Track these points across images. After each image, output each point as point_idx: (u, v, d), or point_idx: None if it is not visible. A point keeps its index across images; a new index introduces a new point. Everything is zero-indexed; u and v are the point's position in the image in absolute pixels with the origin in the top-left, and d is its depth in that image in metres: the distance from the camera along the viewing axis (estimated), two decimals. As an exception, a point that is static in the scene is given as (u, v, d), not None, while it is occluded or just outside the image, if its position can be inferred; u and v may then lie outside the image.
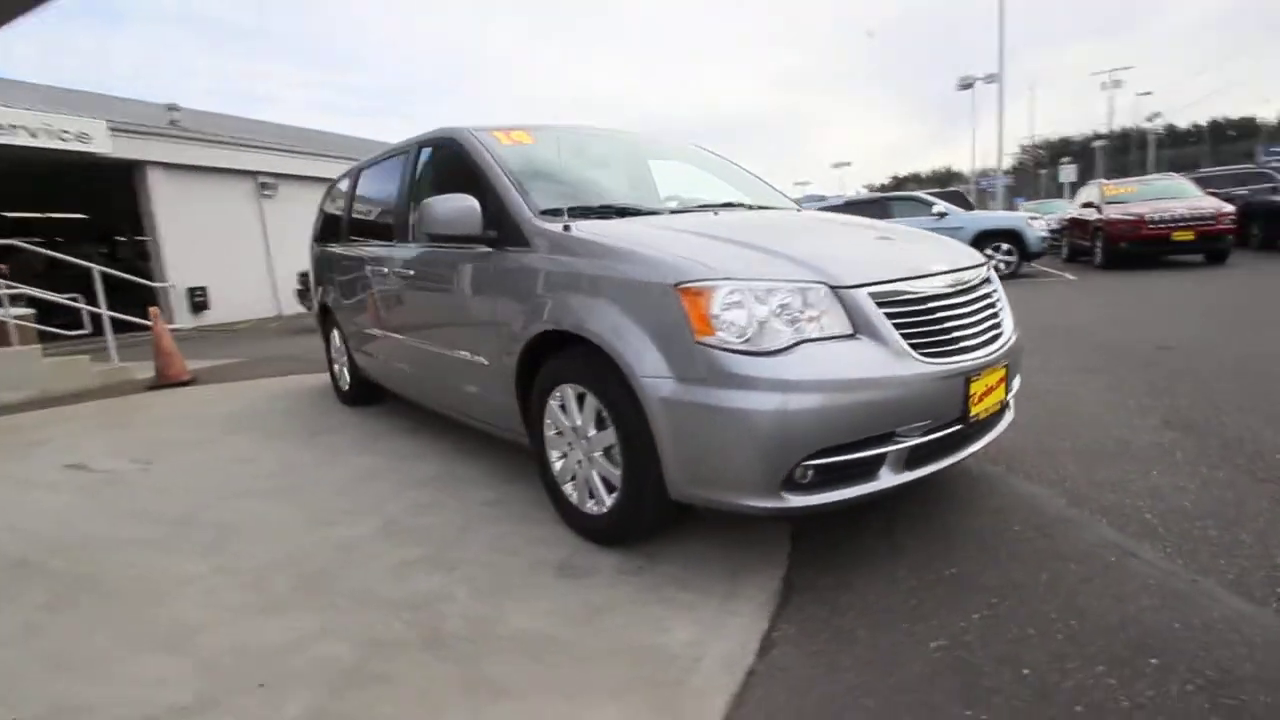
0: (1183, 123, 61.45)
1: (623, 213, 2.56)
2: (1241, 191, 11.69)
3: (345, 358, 4.47)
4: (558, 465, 2.39)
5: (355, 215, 4.12)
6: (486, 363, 2.67)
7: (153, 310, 5.99)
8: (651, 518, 2.09)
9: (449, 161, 3.19)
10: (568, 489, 2.37)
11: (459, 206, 2.49)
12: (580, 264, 2.17)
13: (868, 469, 1.86)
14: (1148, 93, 56.11)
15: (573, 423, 2.26)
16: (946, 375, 1.92)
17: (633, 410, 1.97)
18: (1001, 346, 2.16)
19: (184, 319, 13.68)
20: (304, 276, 11.01)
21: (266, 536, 2.52)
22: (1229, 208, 9.59)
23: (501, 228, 2.52)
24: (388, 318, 3.53)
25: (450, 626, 1.84)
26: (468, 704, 1.53)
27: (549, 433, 2.40)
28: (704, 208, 2.86)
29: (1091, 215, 11.13)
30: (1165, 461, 2.63)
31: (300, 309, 12.68)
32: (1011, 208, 24.47)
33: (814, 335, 1.82)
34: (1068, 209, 14.27)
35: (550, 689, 1.56)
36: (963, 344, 2.01)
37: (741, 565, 2.07)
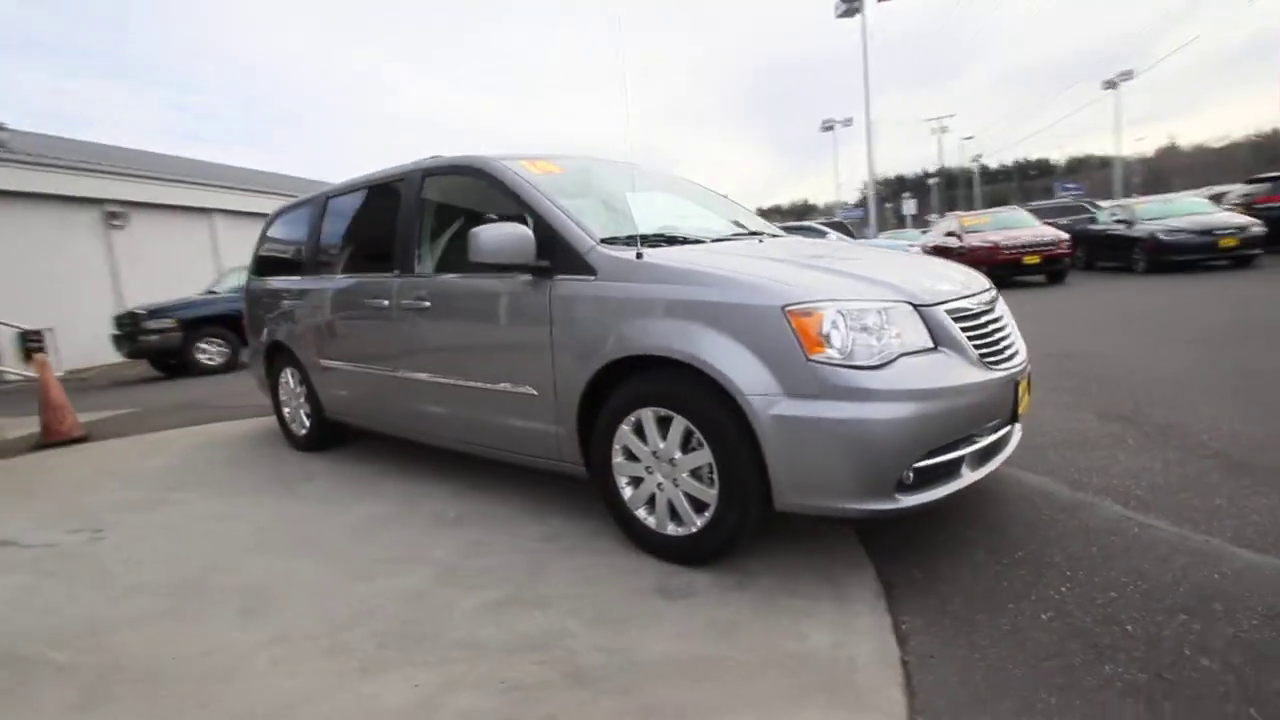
0: (994, 163, 71.40)
1: (671, 240, 2.65)
2: (1064, 221, 13.82)
3: (304, 399, 4.13)
4: (629, 491, 2.40)
5: (324, 245, 3.87)
6: (535, 393, 2.62)
7: (39, 358, 5.15)
8: (751, 531, 2.16)
9: (469, 191, 3.14)
10: (641, 514, 2.38)
11: (513, 234, 2.47)
12: (662, 290, 2.23)
13: (953, 468, 2.07)
14: (970, 137, 64.61)
15: (653, 447, 2.29)
16: (1006, 380, 2.18)
17: (734, 428, 2.05)
18: (1023, 354, 2.48)
19: (13, 366, 11.73)
20: (129, 317, 9.75)
21: (309, 595, 2.29)
22: (1065, 235, 11.32)
23: (554, 256, 2.52)
24: (382, 352, 3.33)
25: (587, 660, 1.80)
26: (660, 731, 1.51)
27: (616, 459, 2.40)
28: (739, 236, 3.02)
29: (954, 243, 12.64)
30: (1124, 448, 3.10)
31: (120, 358, 10.72)
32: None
33: (908, 349, 2.01)
34: (926, 238, 16.06)
35: (735, 705, 1.59)
36: (1008, 352, 2.30)
37: (832, 570, 2.20)
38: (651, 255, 2.35)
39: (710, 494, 2.17)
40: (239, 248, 14.78)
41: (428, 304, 3.03)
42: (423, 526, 2.84)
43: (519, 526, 2.75)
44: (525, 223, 2.61)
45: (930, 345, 2.06)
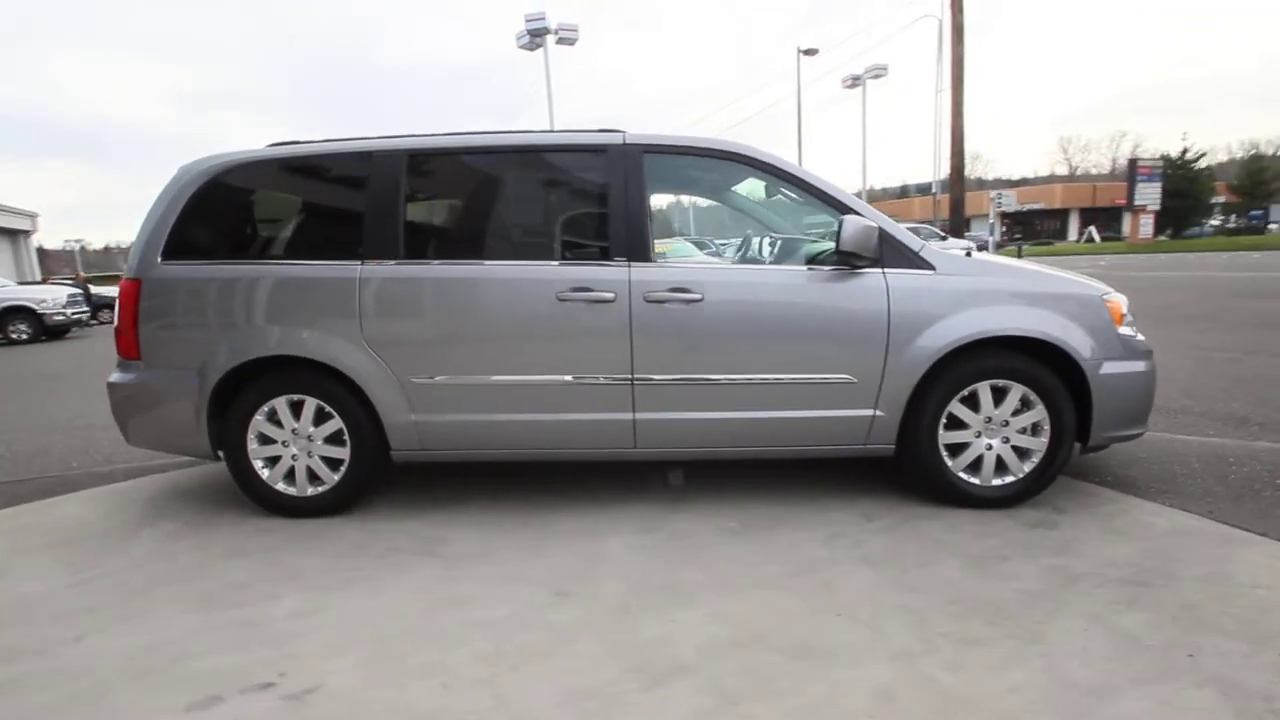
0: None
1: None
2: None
3: (324, 441, 2.87)
4: (952, 459, 2.77)
5: (427, 220, 2.91)
6: (855, 380, 2.72)
7: None
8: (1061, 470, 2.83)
9: (699, 175, 2.91)
10: (964, 475, 2.79)
11: (868, 229, 2.61)
12: (999, 282, 2.74)
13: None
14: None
15: (987, 414, 2.75)
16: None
17: (1063, 388, 2.71)
18: None
19: None
20: None
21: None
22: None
23: (881, 251, 2.70)
24: (594, 355, 2.74)
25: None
26: None
27: (942, 432, 2.75)
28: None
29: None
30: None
31: None
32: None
33: (1130, 322, 3.00)
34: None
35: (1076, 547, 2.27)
36: None
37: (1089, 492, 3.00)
38: (976, 257, 2.80)
39: (1039, 443, 2.76)
40: None
41: (697, 296, 2.70)
42: (742, 542, 2.57)
43: (817, 518, 2.76)
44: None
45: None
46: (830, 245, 2.87)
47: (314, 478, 2.94)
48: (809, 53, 23.62)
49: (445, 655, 1.88)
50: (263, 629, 2.05)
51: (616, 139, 2.85)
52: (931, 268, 2.75)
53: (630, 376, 2.75)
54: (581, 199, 3.00)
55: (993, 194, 30.73)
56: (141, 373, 2.94)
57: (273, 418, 2.90)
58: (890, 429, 2.78)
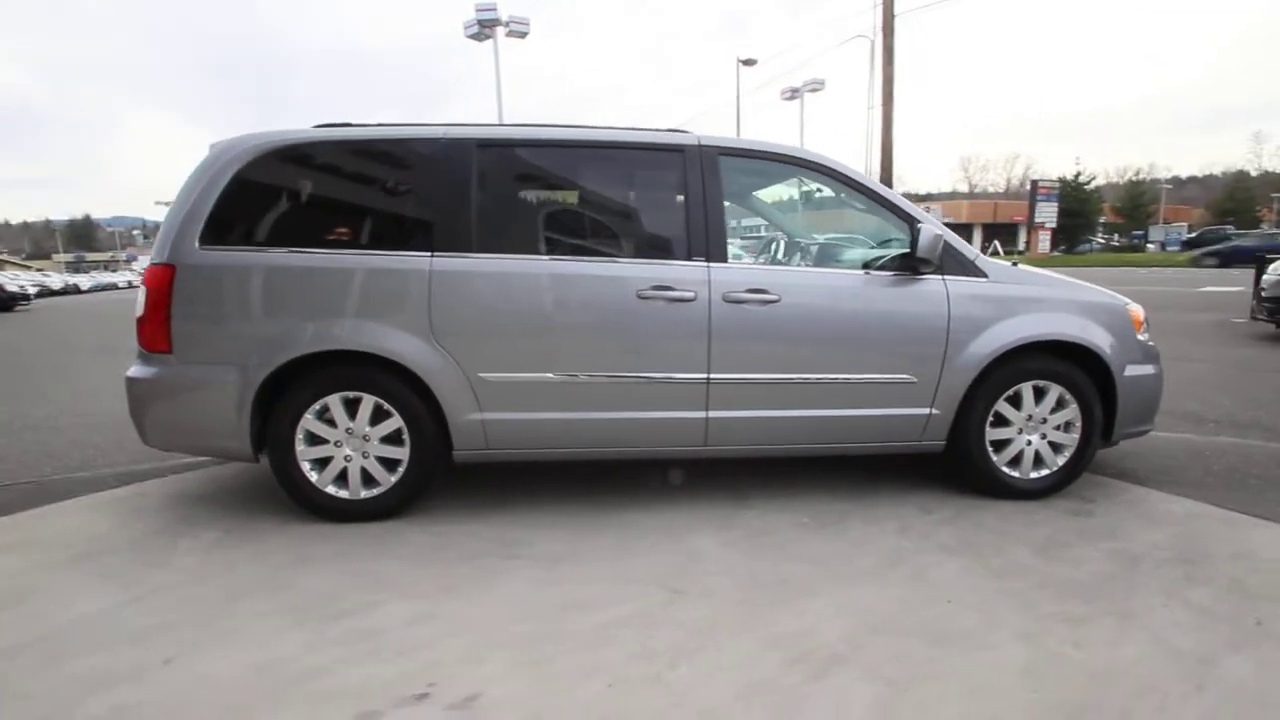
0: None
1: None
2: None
3: (380, 441, 2.74)
4: (996, 454, 2.99)
5: (501, 212, 2.82)
6: (914, 380, 2.88)
7: None
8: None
9: (763, 179, 2.98)
10: (1006, 469, 3.00)
11: (938, 238, 2.78)
12: (1044, 291, 2.99)
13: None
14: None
15: (1028, 411, 2.98)
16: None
17: (1093, 389, 2.98)
18: None
19: None
20: None
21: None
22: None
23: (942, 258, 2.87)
24: (667, 351, 2.75)
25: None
26: None
27: (988, 429, 2.96)
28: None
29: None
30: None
31: None
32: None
33: (1140, 330, 3.32)
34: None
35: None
36: None
37: (1108, 482, 3.31)
38: (1021, 267, 3.03)
39: (1070, 439, 3.02)
40: None
41: (775, 297, 2.76)
42: (823, 537, 2.66)
43: (879, 512, 2.90)
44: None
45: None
46: (881, 252, 3.03)
47: (368, 479, 2.79)
48: (748, 63, 24.38)
49: (596, 656, 1.85)
50: (384, 639, 1.93)
51: (691, 140, 2.87)
52: (984, 275, 2.94)
53: (707, 375, 2.78)
54: (658, 197, 3.00)
55: (923, 207, 32.64)
56: (172, 367, 2.68)
57: (323, 416, 2.73)
58: (944, 426, 2.95)
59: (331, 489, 2.77)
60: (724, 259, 2.80)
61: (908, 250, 2.87)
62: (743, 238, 4.31)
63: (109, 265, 67.47)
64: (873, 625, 2.01)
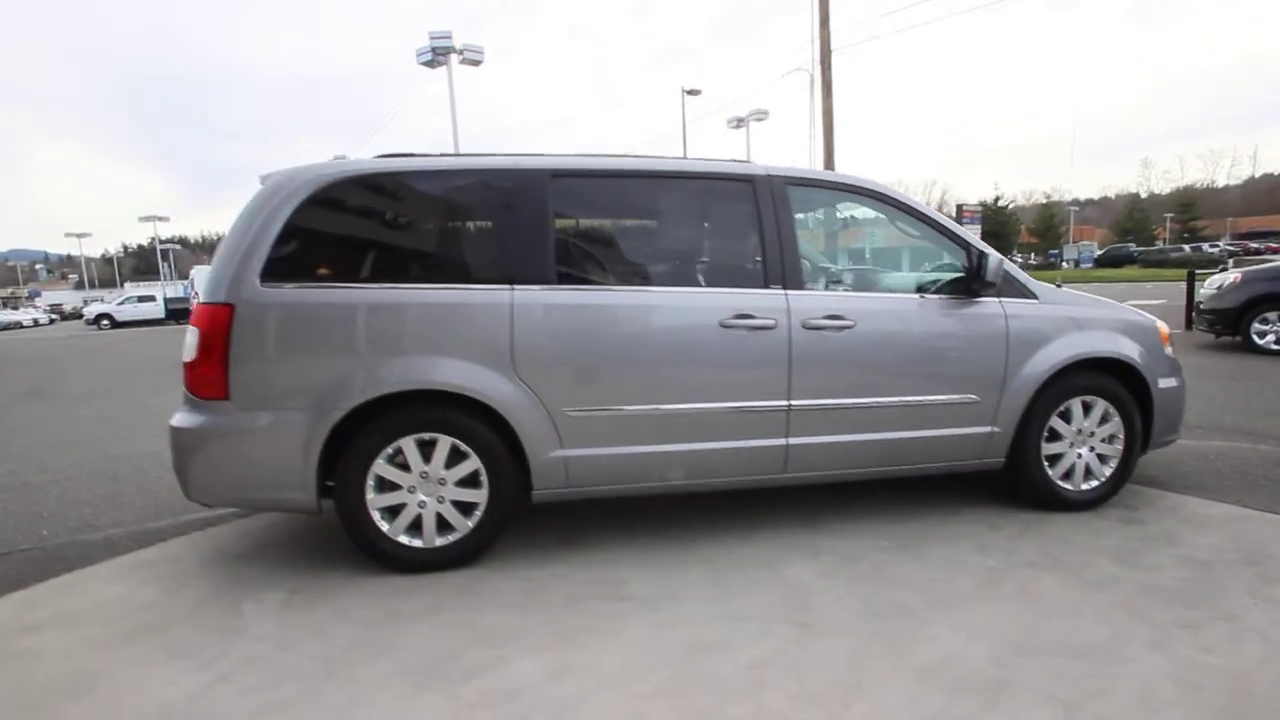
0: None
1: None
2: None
3: (456, 485, 2.61)
4: (1051, 468, 3.11)
5: (576, 244, 2.75)
6: (977, 399, 2.97)
7: None
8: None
9: (820, 206, 3.04)
10: (1061, 482, 3.12)
11: (1001, 262, 2.89)
12: (1088, 311, 3.15)
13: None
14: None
15: (1078, 426, 3.12)
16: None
17: (1134, 402, 3.15)
18: None
19: None
20: None
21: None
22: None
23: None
24: (755, 380, 2.75)
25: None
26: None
27: (1043, 444, 3.08)
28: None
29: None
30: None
31: None
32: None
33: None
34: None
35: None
36: None
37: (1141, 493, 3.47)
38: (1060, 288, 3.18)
39: (1114, 450, 3.17)
40: None
41: (850, 323, 2.80)
42: (908, 559, 2.67)
43: (952, 530, 2.95)
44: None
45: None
46: (931, 276, 3.14)
47: (443, 526, 2.64)
48: (692, 93, 25.09)
49: (760, 701, 1.79)
50: (529, 699, 1.81)
51: (760, 170, 2.91)
52: (1035, 297, 3.08)
53: (788, 402, 2.79)
54: (732, 227, 3.01)
55: (860, 230, 34.34)
56: (229, 415, 2.47)
57: (394, 460, 2.57)
58: (1004, 443, 3.05)
59: (404, 538, 2.60)
60: (800, 286, 2.83)
61: (962, 274, 2.99)
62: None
63: (9, 301, 62.00)
64: (1012, 646, 2.03)
